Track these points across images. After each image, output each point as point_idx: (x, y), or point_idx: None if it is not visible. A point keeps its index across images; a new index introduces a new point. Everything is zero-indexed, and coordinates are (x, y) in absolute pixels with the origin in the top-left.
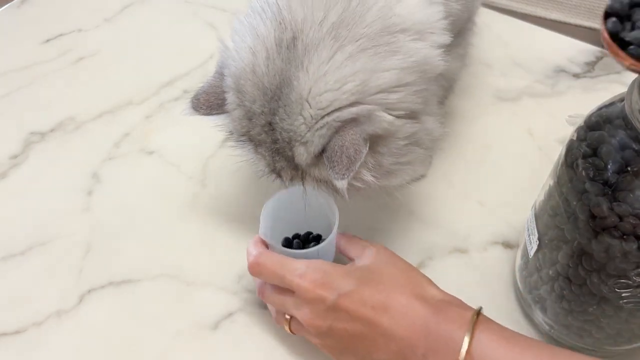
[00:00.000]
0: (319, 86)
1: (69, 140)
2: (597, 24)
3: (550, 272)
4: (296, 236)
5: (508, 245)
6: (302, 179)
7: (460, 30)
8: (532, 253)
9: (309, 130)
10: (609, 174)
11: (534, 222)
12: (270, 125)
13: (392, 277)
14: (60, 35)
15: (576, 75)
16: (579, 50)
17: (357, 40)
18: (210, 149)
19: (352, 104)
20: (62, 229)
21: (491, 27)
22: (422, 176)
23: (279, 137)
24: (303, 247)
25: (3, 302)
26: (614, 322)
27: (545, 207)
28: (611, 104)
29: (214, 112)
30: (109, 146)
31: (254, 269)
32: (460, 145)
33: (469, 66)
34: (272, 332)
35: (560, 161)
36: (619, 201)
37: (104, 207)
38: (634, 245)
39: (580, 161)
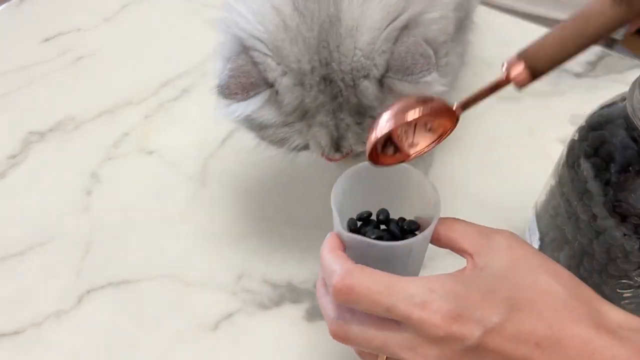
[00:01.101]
0: (366, 9)
1: (68, 140)
2: None
3: None
4: (361, 218)
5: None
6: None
7: (458, 28)
8: None
9: (368, 57)
10: (611, 174)
11: (535, 222)
12: (326, 79)
13: (553, 293)
14: (60, 34)
15: (578, 75)
16: None
17: None
18: (210, 149)
19: (401, 13)
20: (61, 229)
21: (492, 26)
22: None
23: (340, 86)
24: (363, 235)
25: (2, 302)
26: None
27: (546, 207)
28: (613, 103)
29: (253, 93)
30: (108, 146)
31: (344, 295)
32: (461, 144)
33: (469, 65)
34: (272, 333)
35: (562, 161)
36: (621, 201)
37: (103, 207)
38: (636, 246)
39: (581, 161)
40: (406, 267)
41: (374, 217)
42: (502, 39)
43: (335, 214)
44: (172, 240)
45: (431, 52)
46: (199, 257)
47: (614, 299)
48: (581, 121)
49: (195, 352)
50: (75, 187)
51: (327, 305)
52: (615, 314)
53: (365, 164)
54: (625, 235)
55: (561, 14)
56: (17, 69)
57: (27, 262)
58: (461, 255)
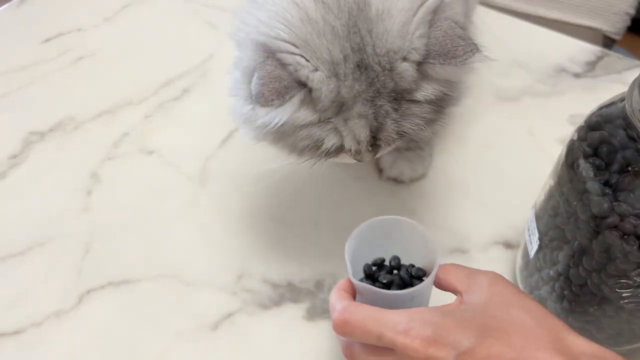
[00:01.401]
0: None
1: (69, 140)
2: (598, 23)
3: (551, 273)
4: (376, 264)
5: (508, 245)
6: (409, 116)
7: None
8: (532, 253)
9: (404, 39)
10: (610, 174)
11: (535, 222)
12: (361, 65)
13: (521, 323)
14: (60, 34)
15: (577, 75)
16: (580, 49)
17: None
18: (210, 149)
19: None
20: (62, 229)
21: (491, 27)
22: (423, 175)
23: (376, 70)
24: (376, 279)
25: (2, 302)
26: (615, 323)
27: (545, 207)
28: (612, 103)
29: (288, 97)
30: (108, 146)
31: (342, 328)
32: (461, 145)
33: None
34: (272, 333)
35: (561, 161)
36: (620, 201)
37: (103, 207)
38: (635, 246)
39: (580, 161)
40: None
41: (387, 262)
42: (502, 39)
43: (348, 264)
44: (172, 240)
45: (468, 34)
46: (199, 257)
47: (613, 299)
48: (580, 121)
49: (195, 352)
50: (75, 187)
51: (341, 339)
52: (578, 342)
53: (378, 219)
54: (625, 235)
55: (561, 14)
56: (17, 69)
57: (27, 262)
58: (455, 294)
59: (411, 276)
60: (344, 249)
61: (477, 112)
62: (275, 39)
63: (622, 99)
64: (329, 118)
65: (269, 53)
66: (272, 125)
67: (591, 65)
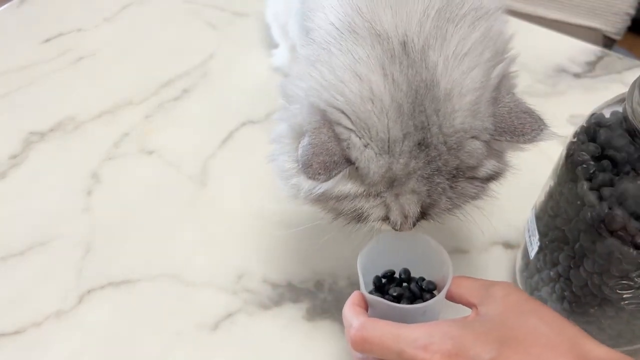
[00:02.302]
0: (462, 69)
1: (69, 140)
2: (598, 23)
3: (551, 274)
4: (386, 276)
5: (508, 245)
6: (462, 193)
7: None
8: (532, 254)
9: (475, 117)
10: (610, 175)
11: (535, 223)
12: (422, 144)
13: (539, 332)
14: (60, 35)
15: (577, 75)
16: (580, 50)
17: (464, 17)
18: (210, 149)
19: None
20: (62, 229)
21: None
22: None
23: (439, 149)
24: (386, 291)
25: (2, 302)
26: (615, 324)
27: (545, 208)
28: (612, 103)
29: (335, 172)
30: (108, 146)
31: (360, 345)
32: None
33: None
34: (272, 333)
35: (561, 162)
36: (620, 202)
37: (103, 207)
38: (635, 246)
39: (580, 161)
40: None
41: (397, 275)
42: None
43: (360, 277)
44: (172, 240)
45: (533, 109)
46: (199, 257)
47: (614, 300)
48: (580, 121)
49: (195, 352)
50: (75, 187)
51: (355, 354)
52: (597, 350)
53: (387, 233)
54: (625, 236)
55: (561, 14)
56: (17, 69)
57: (27, 262)
58: (470, 307)
59: (421, 289)
60: (351, 254)
61: None
62: (335, 110)
63: (622, 100)
64: (378, 192)
65: (326, 121)
66: (315, 193)
67: (591, 66)
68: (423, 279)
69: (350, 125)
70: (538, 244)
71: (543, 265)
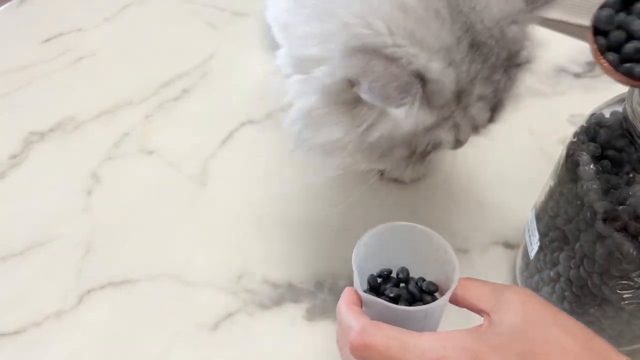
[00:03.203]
0: None
1: (69, 140)
2: None
3: (551, 274)
4: (382, 275)
5: (508, 245)
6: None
7: None
8: (532, 254)
9: (507, 2)
10: (610, 175)
11: (535, 223)
12: (473, 45)
13: (564, 346)
14: (60, 35)
15: (577, 75)
16: (580, 49)
17: None
18: (210, 149)
19: None
20: (62, 229)
21: None
22: (424, 175)
23: (489, 44)
24: (382, 292)
25: (2, 302)
26: (616, 324)
27: (545, 208)
28: (612, 103)
29: (414, 91)
30: (108, 146)
31: (361, 352)
32: None
33: None
34: (272, 333)
35: (561, 162)
36: (620, 202)
37: (103, 207)
38: (636, 247)
39: (581, 162)
40: (422, 329)
41: (394, 274)
42: None
43: (355, 273)
44: (172, 240)
45: None
46: (199, 257)
47: (614, 300)
48: (581, 121)
49: (195, 352)
50: (75, 187)
51: (349, 356)
52: None
53: (388, 225)
54: (625, 236)
55: (561, 14)
56: (17, 69)
57: (27, 262)
58: (479, 314)
59: (421, 291)
60: (351, 255)
61: None
62: (376, 35)
63: (622, 100)
64: (449, 113)
65: (371, 53)
66: (392, 136)
67: (591, 65)
68: (423, 280)
69: (401, 41)
70: (538, 244)
71: (543, 266)
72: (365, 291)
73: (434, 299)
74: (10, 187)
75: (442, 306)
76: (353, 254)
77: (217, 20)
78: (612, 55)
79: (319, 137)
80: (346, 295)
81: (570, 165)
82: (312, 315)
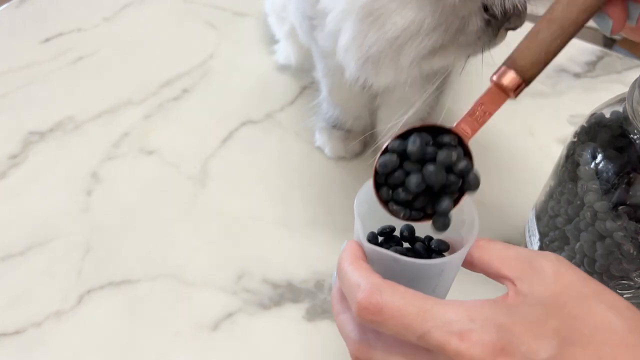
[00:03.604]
0: None
1: (68, 140)
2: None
3: None
4: (384, 232)
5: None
6: None
7: None
8: None
9: None
10: (610, 175)
11: (535, 223)
12: None
13: (609, 325)
14: (60, 34)
15: (577, 75)
16: (580, 49)
17: None
18: (210, 149)
19: None
20: (61, 229)
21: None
22: None
23: None
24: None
25: (2, 302)
26: None
27: (545, 208)
28: (612, 103)
29: None
30: (108, 146)
31: (371, 314)
32: None
33: (468, 65)
34: (272, 333)
35: (561, 162)
36: (621, 202)
37: (103, 207)
38: (636, 247)
39: (581, 161)
40: (434, 291)
41: (397, 232)
42: None
43: (357, 221)
44: (172, 240)
45: None
46: (199, 257)
47: None
48: (580, 121)
49: (195, 352)
50: (75, 187)
51: (347, 323)
52: None
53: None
54: (625, 236)
55: None
56: (17, 69)
57: (27, 262)
58: (499, 281)
59: (430, 249)
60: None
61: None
62: None
63: (623, 99)
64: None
65: None
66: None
67: (591, 65)
68: (431, 238)
69: None
70: (538, 244)
71: None
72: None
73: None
74: (10, 187)
75: (460, 262)
76: (355, 201)
77: (217, 20)
78: (385, 193)
79: (389, 30)
80: (349, 250)
81: (570, 165)
82: (312, 315)
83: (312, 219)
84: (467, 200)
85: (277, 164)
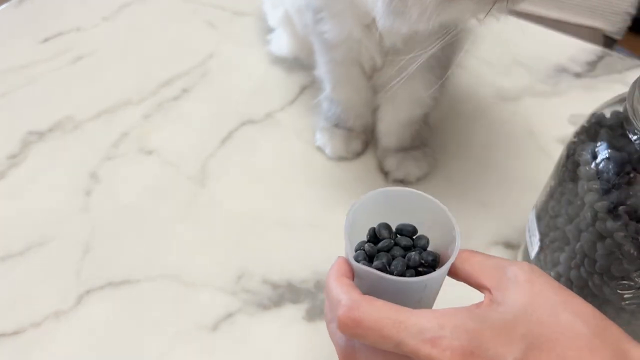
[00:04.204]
0: None
1: (68, 140)
2: (598, 23)
3: (552, 274)
4: (372, 239)
5: (509, 245)
6: None
7: None
8: (533, 254)
9: None
10: (610, 175)
11: (535, 223)
12: None
13: (574, 331)
14: (59, 34)
15: (577, 75)
16: (580, 49)
17: None
18: (209, 149)
19: None
20: (61, 229)
21: (491, 27)
22: (427, 174)
23: None
24: (369, 258)
25: (2, 302)
26: (616, 324)
27: (546, 208)
28: (613, 103)
29: None
30: (107, 146)
31: (351, 328)
32: (461, 145)
33: (468, 66)
34: (272, 333)
35: (561, 162)
36: (620, 202)
37: (102, 207)
38: (636, 247)
39: (581, 161)
40: (419, 302)
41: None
42: (501, 39)
43: (346, 240)
44: (172, 240)
45: None
46: (199, 257)
47: (614, 300)
48: (581, 121)
49: (195, 352)
50: (74, 187)
51: (335, 331)
52: None
53: (383, 190)
54: (626, 236)
55: (561, 14)
56: (16, 69)
57: (27, 262)
58: (479, 290)
59: (420, 264)
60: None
61: (478, 111)
62: None
63: (623, 99)
64: None
65: None
66: None
67: (592, 65)
68: (424, 248)
69: None
70: (539, 244)
71: (544, 266)
72: (357, 259)
73: (430, 270)
74: (9, 187)
75: (442, 277)
76: (345, 221)
77: (217, 20)
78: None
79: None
80: (336, 266)
81: (570, 165)
82: (312, 315)
83: (312, 219)
84: (449, 214)
85: (277, 164)
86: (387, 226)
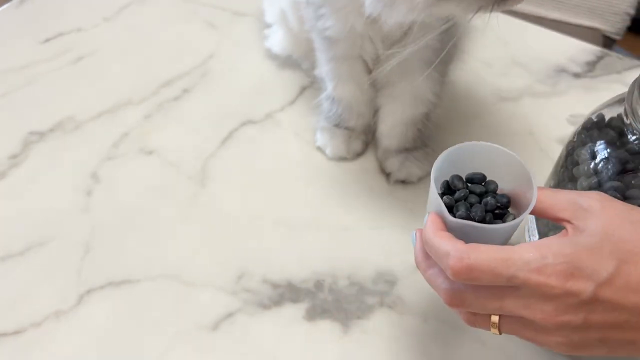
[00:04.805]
0: None
1: (68, 140)
2: (597, 23)
3: None
4: (447, 190)
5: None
6: None
7: None
8: None
9: None
10: (609, 174)
11: (535, 223)
12: None
13: None
14: (60, 34)
15: (577, 75)
16: (580, 49)
17: None
18: (210, 149)
19: None
20: (61, 229)
21: (491, 27)
22: (427, 174)
23: None
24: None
25: (2, 302)
26: None
27: None
28: (612, 103)
29: None
30: (108, 146)
31: (466, 274)
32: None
33: (468, 65)
34: (272, 333)
35: (561, 162)
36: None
37: (103, 207)
38: None
39: (580, 161)
40: (505, 242)
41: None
42: (502, 39)
43: (434, 191)
44: (172, 240)
45: None
46: (199, 257)
47: None
48: (581, 121)
49: (195, 352)
50: (75, 187)
51: (436, 277)
52: None
53: (462, 145)
54: None
55: (561, 14)
56: (17, 69)
57: (27, 262)
58: (557, 223)
59: (497, 207)
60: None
61: (477, 112)
62: None
63: (622, 99)
64: None
65: None
66: None
67: (591, 65)
68: (494, 191)
69: None
70: None
71: None
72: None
73: (506, 211)
74: (9, 187)
75: (526, 217)
76: (432, 172)
77: (217, 20)
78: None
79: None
80: (431, 222)
81: (570, 165)
82: (312, 315)
83: (312, 219)
84: (519, 160)
85: (278, 164)
86: (459, 177)
